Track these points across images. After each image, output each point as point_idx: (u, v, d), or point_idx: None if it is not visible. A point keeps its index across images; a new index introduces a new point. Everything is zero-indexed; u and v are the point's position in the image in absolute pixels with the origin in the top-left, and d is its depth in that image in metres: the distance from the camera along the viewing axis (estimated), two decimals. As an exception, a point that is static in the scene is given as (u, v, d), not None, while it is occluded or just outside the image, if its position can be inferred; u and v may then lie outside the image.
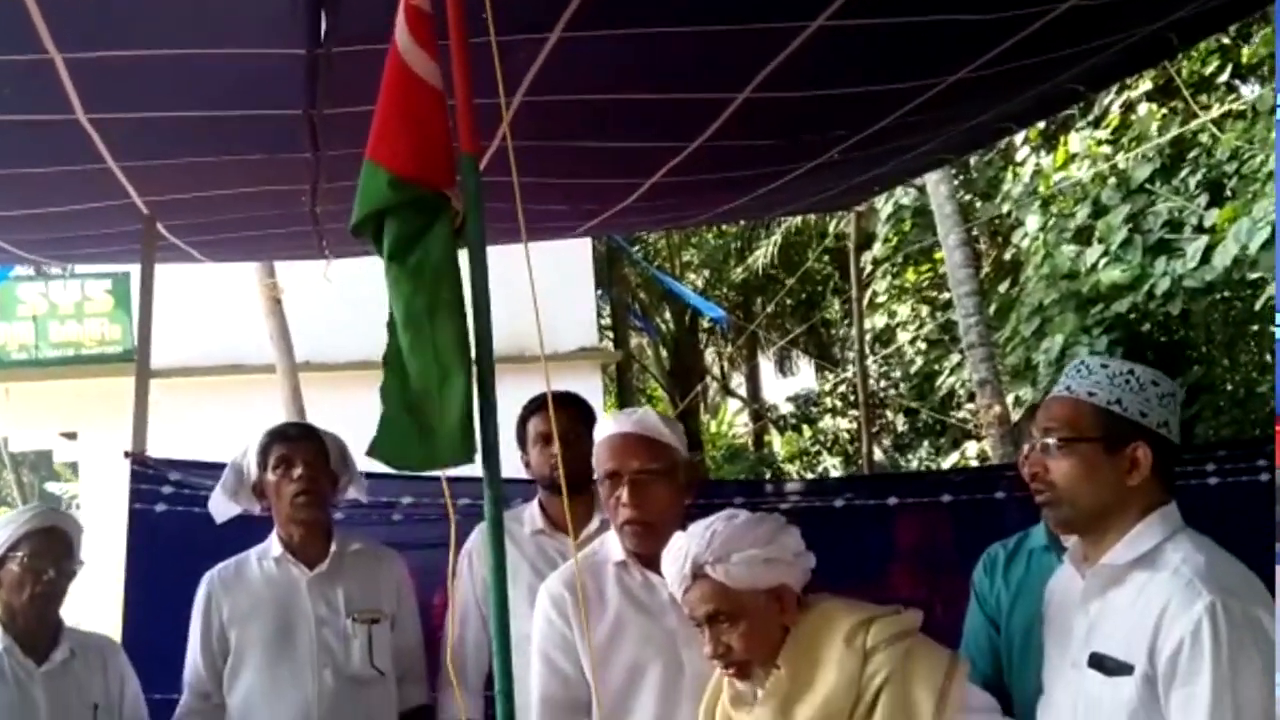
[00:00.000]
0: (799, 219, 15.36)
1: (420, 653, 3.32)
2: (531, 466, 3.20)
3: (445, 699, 3.19)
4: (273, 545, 3.19)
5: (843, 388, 19.29)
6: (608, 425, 2.57)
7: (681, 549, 2.24)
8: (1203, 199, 8.27)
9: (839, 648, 2.18)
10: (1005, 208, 10.50)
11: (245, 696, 3.10)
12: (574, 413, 3.09)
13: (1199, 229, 8.05)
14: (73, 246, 4.81)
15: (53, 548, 2.98)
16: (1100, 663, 2.02)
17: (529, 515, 3.19)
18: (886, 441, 17.55)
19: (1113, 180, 8.98)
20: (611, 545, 2.57)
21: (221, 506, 3.28)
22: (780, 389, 22.25)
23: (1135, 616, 1.98)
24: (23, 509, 3.14)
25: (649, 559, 2.48)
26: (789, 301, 19.13)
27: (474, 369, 2.09)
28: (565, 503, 2.36)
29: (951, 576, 3.18)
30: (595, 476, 2.55)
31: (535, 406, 3.18)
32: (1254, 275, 7.69)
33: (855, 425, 17.37)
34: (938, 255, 12.00)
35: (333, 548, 3.19)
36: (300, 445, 3.16)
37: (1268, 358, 8.99)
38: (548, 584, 2.59)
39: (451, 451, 2.07)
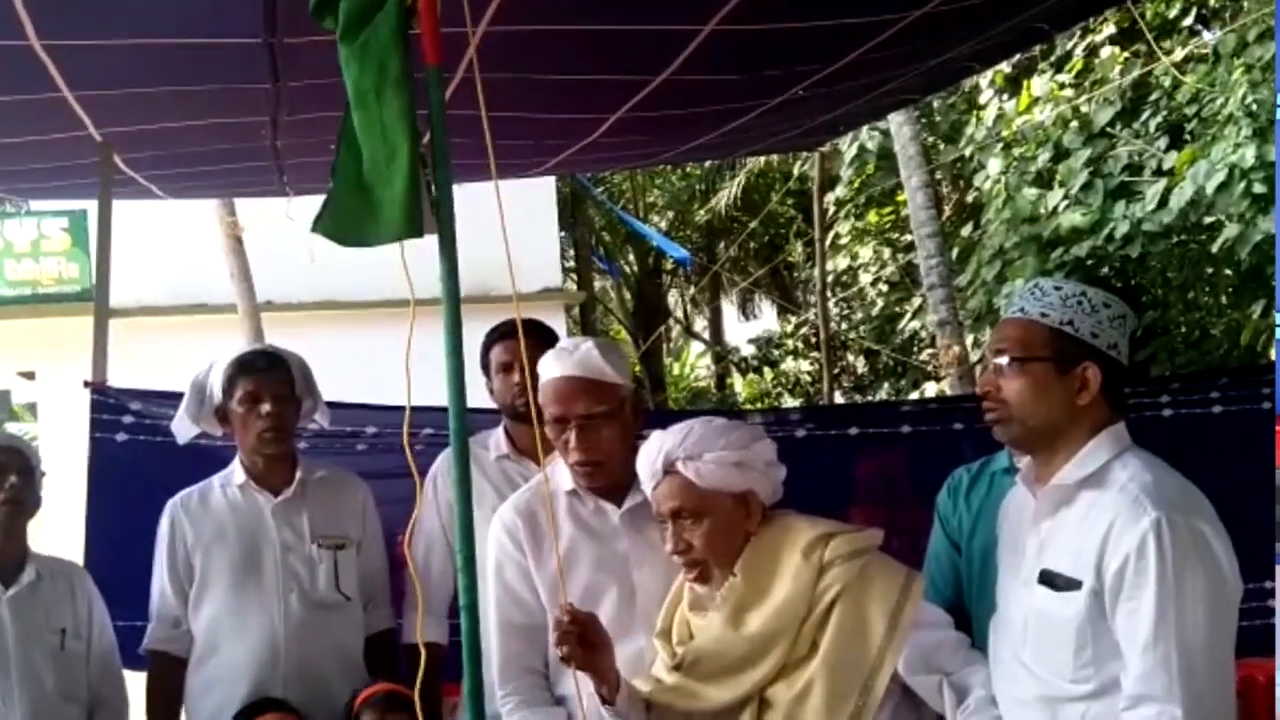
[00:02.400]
0: (762, 161, 15.31)
1: (385, 577, 3.33)
2: (495, 394, 3.20)
3: (410, 622, 3.19)
4: (236, 472, 3.17)
5: (804, 330, 19.41)
6: (551, 367, 2.54)
7: (656, 445, 2.29)
8: (1162, 142, 8.35)
9: (796, 560, 2.23)
10: (968, 151, 10.54)
11: (211, 622, 3.10)
12: (537, 341, 3.08)
13: (1158, 172, 8.13)
14: (29, 180, 4.72)
15: (11, 460, 2.95)
16: (1050, 579, 2.07)
17: (494, 441, 3.21)
18: (847, 383, 17.69)
19: (1074, 124, 9.03)
20: (561, 474, 2.59)
21: (184, 428, 3.25)
22: (742, 332, 22.34)
23: (1083, 533, 2.03)
24: None
25: (599, 487, 2.54)
26: (752, 244, 19.16)
27: (418, 146, 2.09)
28: (536, 432, 2.36)
29: (909, 508, 3.24)
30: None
31: (498, 335, 3.19)
32: (1210, 219, 7.78)
33: (816, 367, 17.51)
34: (900, 198, 12.05)
35: (297, 474, 3.18)
36: (267, 380, 3.11)
37: (1222, 299, 9.12)
38: (500, 512, 2.63)
39: (396, 227, 2.10)
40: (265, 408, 3.07)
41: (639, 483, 2.41)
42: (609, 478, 2.51)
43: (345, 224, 2.17)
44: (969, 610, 2.52)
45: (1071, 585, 2.03)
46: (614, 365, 2.53)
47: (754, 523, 2.29)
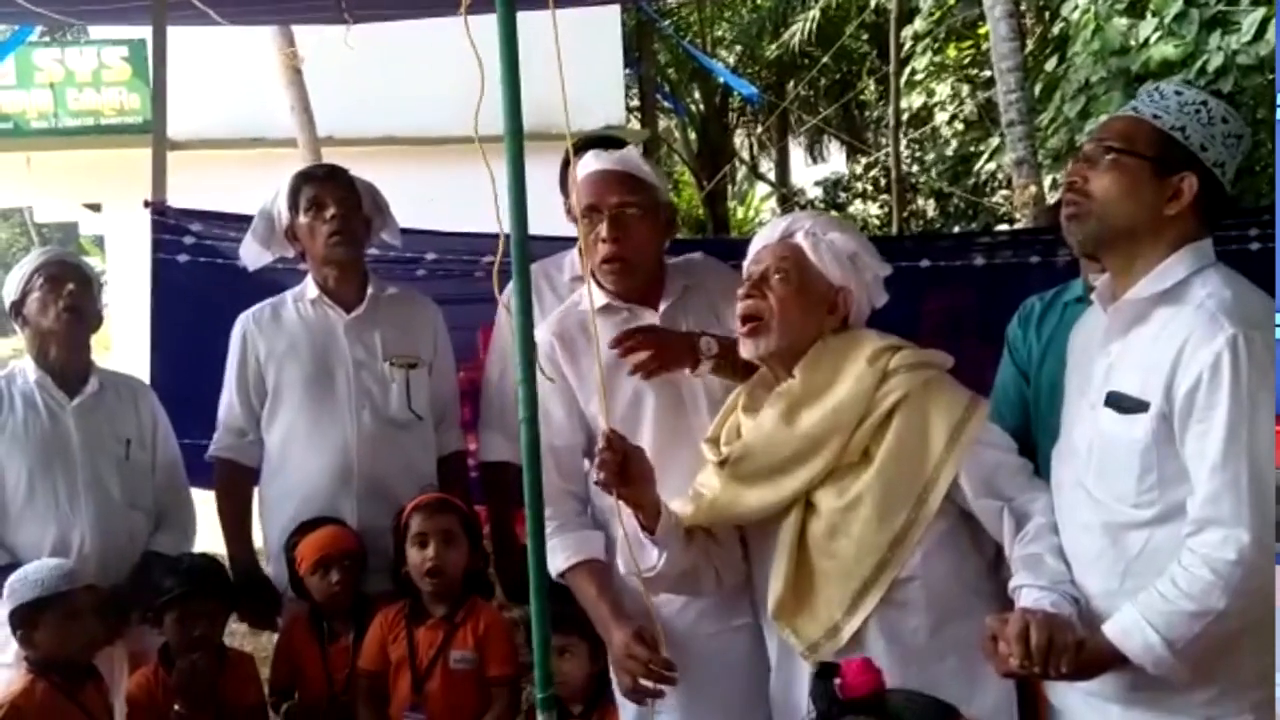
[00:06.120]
0: (837, -8, 14.70)
1: (455, 399, 3.34)
2: (572, 209, 3.14)
3: (488, 438, 3.18)
4: (308, 288, 3.17)
5: (874, 172, 18.95)
6: (589, 162, 2.52)
7: (786, 217, 2.33)
8: (1265, -33, 7.82)
9: (860, 364, 2.20)
10: (1056, -22, 10.00)
11: (284, 436, 3.13)
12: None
13: (1257, 0, 7.65)
14: (86, 1, 4.62)
15: (68, 271, 3.00)
16: (1117, 401, 1.98)
17: (569, 261, 3.16)
18: (917, 226, 17.32)
19: (1172, -53, 8.48)
20: (595, 293, 2.54)
21: (253, 254, 3.25)
22: (810, 175, 21.89)
23: (1155, 353, 1.93)
24: (33, 251, 3.13)
25: (630, 294, 2.51)
26: (823, 81, 18.57)
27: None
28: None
29: (978, 346, 3.14)
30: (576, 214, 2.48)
31: (579, 148, 3.12)
32: (1311, 51, 7.34)
33: (885, 210, 17.14)
34: (982, 30, 11.53)
35: (369, 291, 3.16)
36: (330, 185, 3.10)
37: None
38: (536, 334, 2.58)
39: None
40: (330, 211, 3.05)
41: (674, 288, 2.43)
42: (635, 279, 2.48)
43: None
44: (1034, 441, 2.45)
45: (1139, 407, 1.93)
46: (652, 169, 2.54)
47: (833, 322, 2.25)
